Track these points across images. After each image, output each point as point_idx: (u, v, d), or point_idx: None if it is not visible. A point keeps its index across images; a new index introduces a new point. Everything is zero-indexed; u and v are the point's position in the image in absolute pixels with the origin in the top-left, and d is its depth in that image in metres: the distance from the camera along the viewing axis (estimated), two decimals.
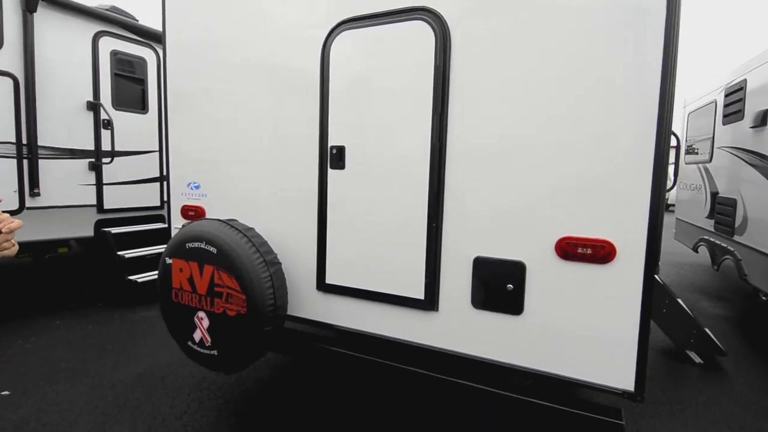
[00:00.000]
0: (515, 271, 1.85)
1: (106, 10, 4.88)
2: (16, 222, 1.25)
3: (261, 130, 2.45)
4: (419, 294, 2.05)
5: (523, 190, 1.81)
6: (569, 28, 1.70)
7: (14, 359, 3.38)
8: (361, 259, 2.20)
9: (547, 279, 1.80)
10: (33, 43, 4.08)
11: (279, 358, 3.40)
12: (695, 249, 6.05)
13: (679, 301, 3.77)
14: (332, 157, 2.21)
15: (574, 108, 1.70)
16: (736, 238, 4.58)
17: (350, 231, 2.22)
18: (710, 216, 5.45)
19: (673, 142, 3.26)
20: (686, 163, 6.63)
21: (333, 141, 2.20)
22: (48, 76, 4.24)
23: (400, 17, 1.98)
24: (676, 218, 7.08)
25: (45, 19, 4.19)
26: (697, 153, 6.19)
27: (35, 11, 4.08)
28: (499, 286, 1.88)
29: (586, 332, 1.75)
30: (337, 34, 2.13)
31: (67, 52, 4.43)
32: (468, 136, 1.91)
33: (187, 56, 2.70)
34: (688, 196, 6.49)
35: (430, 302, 2.03)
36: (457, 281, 1.99)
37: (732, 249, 4.68)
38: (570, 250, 1.73)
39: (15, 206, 3.98)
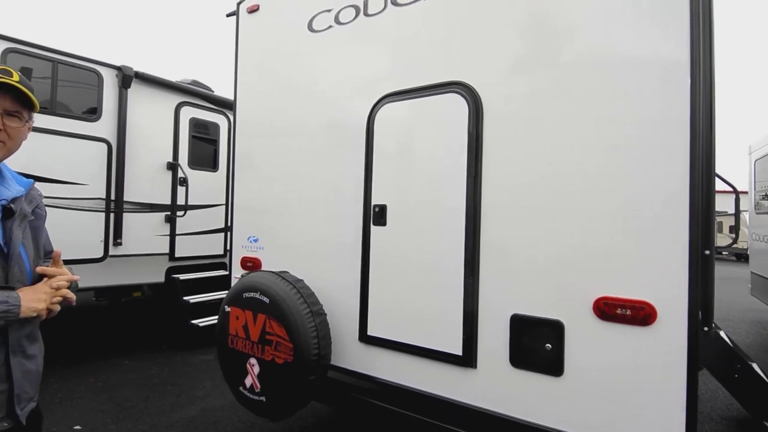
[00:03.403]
0: (553, 331, 1.85)
1: (188, 83, 5.62)
2: (65, 278, 1.25)
3: (311, 190, 2.70)
4: (457, 350, 2.08)
5: (557, 249, 1.86)
6: (593, 94, 1.80)
7: (86, 396, 3.70)
8: (401, 313, 2.29)
9: (587, 340, 1.79)
10: (126, 114, 4.76)
11: (323, 408, 3.45)
12: None
13: (754, 365, 3.42)
14: (375, 215, 2.37)
15: (603, 170, 1.76)
16: None
17: (391, 285, 2.33)
18: None
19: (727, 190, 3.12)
20: (757, 213, 6.18)
21: (376, 200, 2.38)
22: (136, 141, 4.88)
23: (436, 91, 2.18)
24: (751, 272, 6.49)
25: (137, 93, 4.90)
26: None
27: (129, 87, 4.80)
28: (538, 345, 1.89)
29: (630, 398, 1.70)
30: (381, 106, 2.36)
31: (154, 121, 5.11)
32: (501, 197, 2.00)
33: (253, 122, 3.07)
34: (763, 248, 5.98)
35: (467, 359, 2.06)
36: (494, 338, 2.01)
37: None
38: (608, 310, 1.73)
39: (99, 254, 4.49)
